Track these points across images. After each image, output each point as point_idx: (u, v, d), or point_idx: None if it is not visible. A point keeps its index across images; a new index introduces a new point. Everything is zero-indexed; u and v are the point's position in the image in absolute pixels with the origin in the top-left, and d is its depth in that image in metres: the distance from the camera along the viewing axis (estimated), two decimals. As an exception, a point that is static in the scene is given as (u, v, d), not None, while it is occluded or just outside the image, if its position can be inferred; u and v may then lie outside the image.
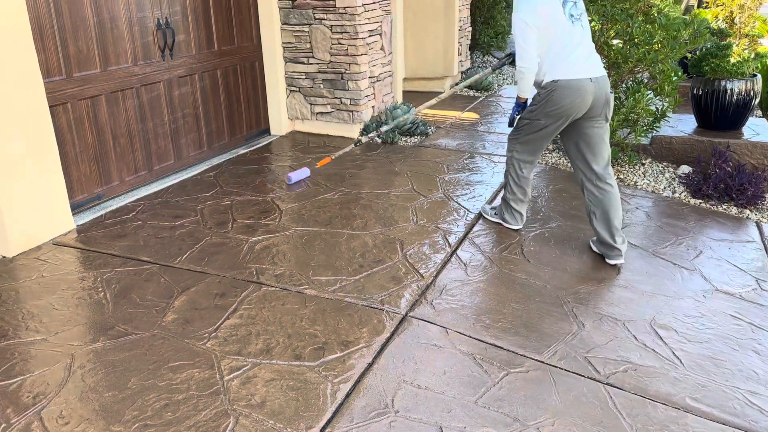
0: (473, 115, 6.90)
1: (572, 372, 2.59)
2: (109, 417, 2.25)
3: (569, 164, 5.20)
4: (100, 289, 3.13)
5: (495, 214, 3.95)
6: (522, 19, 3.27)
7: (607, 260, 3.52)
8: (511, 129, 3.75)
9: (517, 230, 3.85)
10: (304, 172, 4.67)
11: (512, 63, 3.98)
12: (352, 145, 4.77)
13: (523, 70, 3.38)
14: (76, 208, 4.02)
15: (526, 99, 3.55)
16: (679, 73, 4.99)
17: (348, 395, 2.39)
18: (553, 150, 5.51)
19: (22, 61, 3.39)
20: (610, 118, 3.46)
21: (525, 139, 3.60)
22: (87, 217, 4.00)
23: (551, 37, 3.29)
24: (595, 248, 3.65)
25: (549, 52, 3.33)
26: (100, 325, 2.82)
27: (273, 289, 3.14)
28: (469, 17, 8.79)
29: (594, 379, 2.55)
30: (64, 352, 2.62)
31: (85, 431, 2.18)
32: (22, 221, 3.49)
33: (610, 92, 3.40)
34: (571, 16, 3.33)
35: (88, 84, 4.03)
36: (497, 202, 4.33)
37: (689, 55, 5.92)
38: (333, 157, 4.77)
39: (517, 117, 3.67)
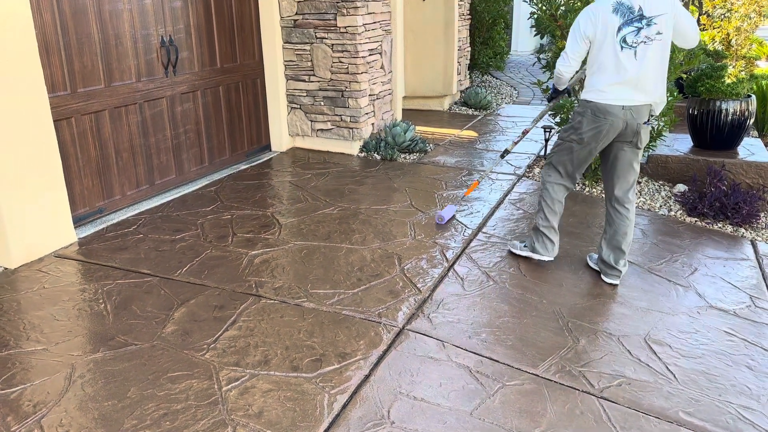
0: (472, 133, 6.98)
1: (567, 385, 2.62)
2: (108, 426, 2.27)
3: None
4: (101, 301, 3.16)
5: (525, 246, 3.76)
6: (577, 22, 3.29)
7: (603, 277, 3.55)
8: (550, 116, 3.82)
9: (548, 262, 3.71)
10: (451, 210, 4.34)
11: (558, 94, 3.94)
12: (499, 158, 4.59)
13: (559, 71, 3.45)
14: (78, 221, 4.07)
15: (559, 89, 3.71)
16: (675, 94, 5.07)
17: (345, 406, 2.41)
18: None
19: (28, 76, 3.46)
20: (642, 146, 3.37)
21: (559, 160, 3.55)
22: (89, 230, 4.05)
23: (597, 54, 3.26)
24: (592, 264, 3.68)
25: (592, 67, 3.31)
26: (101, 336, 2.85)
27: (272, 301, 3.17)
28: (468, 37, 8.92)
29: (588, 393, 2.58)
30: (65, 362, 2.65)
31: (84, 440, 2.21)
32: (24, 233, 3.54)
33: (647, 123, 3.31)
34: (624, 41, 3.17)
35: (92, 99, 4.10)
36: (493, 222, 4.37)
37: (684, 76, 6.01)
38: (480, 182, 4.61)
39: (555, 97, 3.84)
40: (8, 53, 3.33)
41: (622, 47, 3.19)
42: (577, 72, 3.58)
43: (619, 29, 3.18)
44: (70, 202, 3.94)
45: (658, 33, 3.17)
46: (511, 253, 3.81)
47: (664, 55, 3.23)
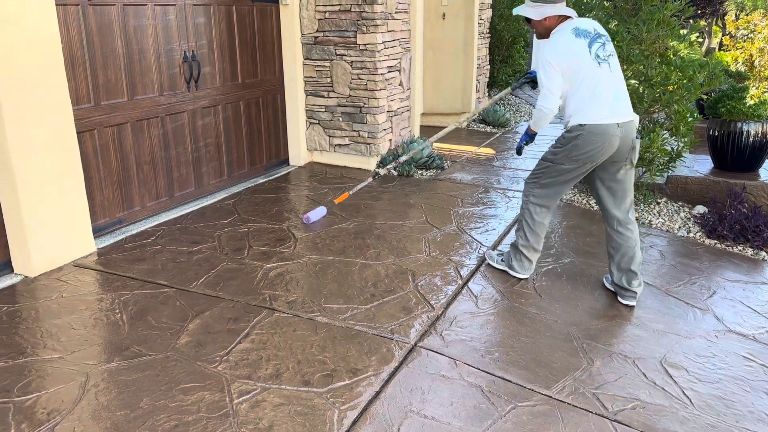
0: (489, 151, 6.97)
1: (580, 407, 2.58)
2: (119, 435, 2.29)
3: (585, 201, 5.23)
4: (117, 311, 3.20)
5: (502, 260, 3.80)
6: (547, 59, 3.25)
7: (620, 299, 3.51)
8: (527, 167, 3.77)
9: (523, 279, 3.71)
10: (321, 212, 4.61)
11: (530, 82, 3.93)
12: (370, 179, 4.78)
13: (544, 110, 3.32)
14: (98, 232, 4.13)
15: (535, 132, 3.55)
16: (695, 114, 5.04)
17: (354, 422, 2.41)
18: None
19: (54, 89, 3.54)
20: (635, 163, 3.39)
21: (545, 182, 3.49)
22: (108, 240, 4.11)
23: (578, 79, 3.23)
24: (608, 285, 3.65)
25: (576, 94, 3.26)
26: (116, 346, 2.88)
27: (285, 315, 3.19)
28: (488, 55, 8.96)
29: (602, 416, 2.55)
30: (80, 371, 2.68)
31: (96, 449, 2.23)
32: (45, 243, 3.60)
33: (637, 137, 3.33)
34: (598, 56, 3.25)
35: (115, 112, 4.18)
36: (508, 240, 4.36)
37: (705, 97, 5.97)
38: (351, 193, 4.79)
39: (525, 146, 3.67)
40: (36, 66, 3.41)
41: (599, 63, 3.25)
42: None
43: (590, 47, 3.26)
44: (90, 212, 4.00)
45: (612, 50, 3.36)
46: (488, 264, 3.87)
47: (620, 70, 3.40)
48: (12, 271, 3.61)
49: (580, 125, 3.26)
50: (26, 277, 3.57)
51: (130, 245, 4.04)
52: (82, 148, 3.95)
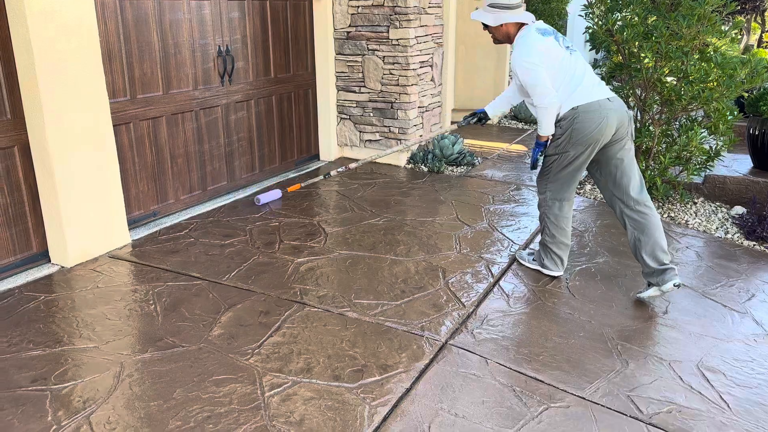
0: (521, 147, 6.90)
1: (614, 410, 2.54)
2: (153, 426, 2.32)
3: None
4: (151, 302, 3.24)
5: (533, 260, 3.75)
6: (527, 61, 3.24)
7: (663, 287, 3.32)
8: (536, 171, 3.69)
9: (556, 277, 3.66)
10: (275, 194, 4.80)
11: (477, 122, 3.97)
12: (321, 177, 4.98)
13: (548, 106, 3.26)
14: (133, 224, 4.19)
15: (548, 138, 3.41)
16: (735, 113, 4.91)
17: (385, 419, 2.40)
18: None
19: (92, 82, 3.59)
20: (634, 136, 3.42)
21: (556, 176, 3.46)
22: (142, 232, 4.16)
23: (558, 70, 3.28)
24: (645, 295, 3.43)
25: (561, 85, 3.30)
26: (150, 337, 2.92)
27: (315, 310, 3.19)
28: (521, 51, 8.84)
29: (636, 419, 2.50)
30: (114, 361, 2.72)
31: (130, 438, 2.26)
32: (81, 234, 3.66)
33: (629, 110, 3.35)
34: (567, 48, 3.35)
35: (150, 106, 4.23)
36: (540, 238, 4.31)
37: (746, 95, 5.81)
38: (302, 185, 5.01)
39: (541, 157, 3.51)
40: (74, 60, 3.47)
41: (570, 53, 3.34)
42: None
43: (557, 40, 3.35)
44: (125, 204, 4.06)
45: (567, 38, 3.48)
46: (519, 263, 3.82)
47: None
48: (49, 261, 3.68)
49: (573, 108, 3.28)
50: (62, 267, 3.64)
51: (163, 237, 4.09)
52: (118, 141, 4.01)
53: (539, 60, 3.25)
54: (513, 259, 3.86)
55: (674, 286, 3.32)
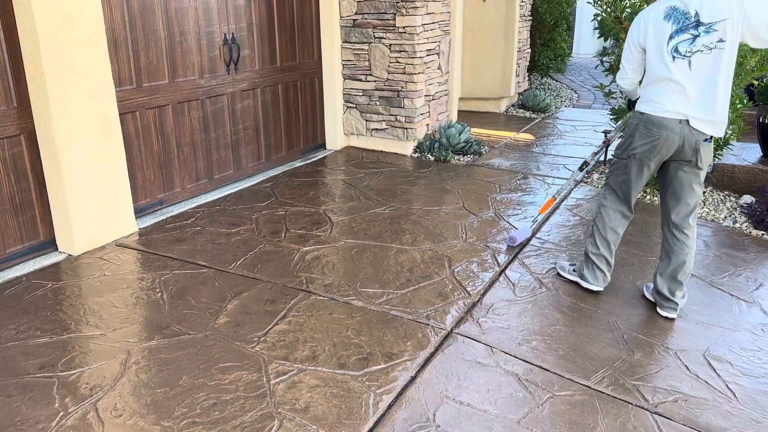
0: (528, 137, 6.86)
1: (620, 398, 2.53)
2: (159, 412, 2.34)
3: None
4: (158, 290, 3.26)
5: (574, 270, 3.50)
6: (630, 33, 3.09)
7: (659, 310, 3.22)
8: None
9: (596, 292, 3.39)
10: (525, 233, 3.98)
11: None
12: (581, 174, 3.96)
13: (621, 87, 3.28)
14: (139, 212, 4.20)
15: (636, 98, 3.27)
16: (745, 101, 4.86)
17: (390, 406, 2.41)
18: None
19: (98, 70, 3.59)
20: (704, 167, 3.03)
21: (613, 181, 3.27)
22: (149, 221, 4.18)
23: (650, 65, 3.00)
24: (648, 295, 3.38)
25: (646, 77, 3.05)
26: (156, 324, 2.93)
27: (321, 298, 3.20)
28: (529, 39, 8.79)
29: (642, 408, 2.49)
30: (121, 348, 2.74)
31: (137, 425, 2.27)
32: (88, 222, 3.68)
33: (707, 141, 2.96)
34: (676, 51, 2.88)
35: (156, 94, 4.23)
36: (548, 228, 4.28)
37: (756, 83, 5.75)
38: (556, 198, 4.18)
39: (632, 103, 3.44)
40: (80, 48, 3.46)
41: (674, 57, 2.88)
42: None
43: (671, 37, 2.88)
44: (132, 193, 4.07)
45: (720, 41, 2.80)
46: (560, 275, 3.57)
47: (728, 66, 2.84)
48: (56, 249, 3.70)
49: (640, 113, 3.06)
50: (70, 255, 3.66)
51: (170, 226, 4.11)
52: (125, 130, 4.01)
53: (635, 37, 3.04)
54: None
55: (665, 316, 3.20)
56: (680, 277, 3.16)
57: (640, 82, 3.23)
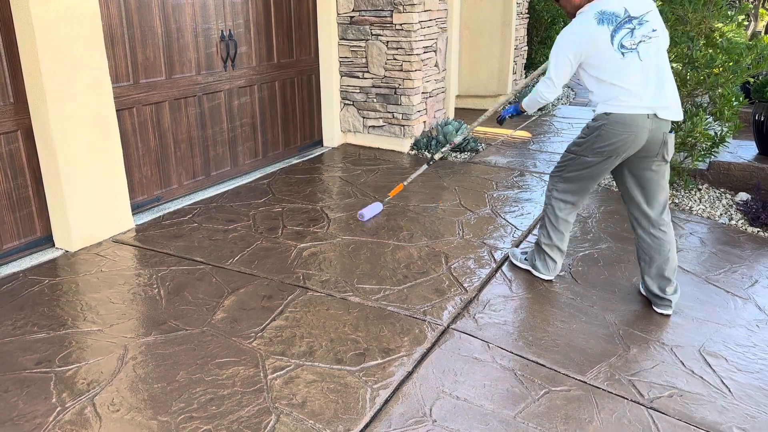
0: (525, 134, 6.88)
1: (615, 394, 2.55)
2: (157, 407, 2.34)
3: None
4: (155, 286, 3.26)
5: (525, 259, 3.55)
6: (559, 44, 3.03)
7: (655, 308, 3.24)
8: (563, 150, 3.43)
9: (549, 281, 3.45)
10: (376, 208, 4.33)
11: (517, 114, 3.75)
12: (425, 165, 4.27)
13: (540, 97, 3.16)
14: (136, 209, 4.20)
15: (525, 110, 3.38)
16: (741, 98, 4.87)
17: (387, 401, 2.42)
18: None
19: (94, 66, 3.59)
20: (669, 158, 3.07)
21: (568, 176, 3.24)
22: (146, 217, 4.18)
23: (601, 68, 2.97)
24: (643, 291, 3.39)
25: (601, 82, 3.00)
26: (153, 320, 2.93)
27: (318, 294, 3.20)
28: (526, 36, 8.80)
29: (637, 403, 2.51)
30: (118, 344, 2.74)
31: (134, 419, 2.28)
32: (85, 218, 3.68)
33: (671, 132, 3.03)
34: (622, 46, 2.93)
35: (153, 90, 4.22)
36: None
37: (752, 80, 5.77)
38: (405, 184, 4.43)
39: (510, 118, 3.55)
40: (77, 44, 3.46)
41: (623, 53, 2.94)
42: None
43: (612, 36, 2.94)
44: (129, 189, 4.07)
45: (653, 30, 2.96)
46: (511, 263, 3.62)
47: (665, 53, 3.01)
48: (53, 245, 3.70)
49: (605, 114, 3.01)
50: (66, 251, 3.65)
51: (167, 222, 4.11)
52: (121, 126, 4.01)
53: (568, 51, 3.00)
54: (506, 257, 3.77)
55: (661, 313, 3.21)
56: (667, 274, 3.17)
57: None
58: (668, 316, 3.20)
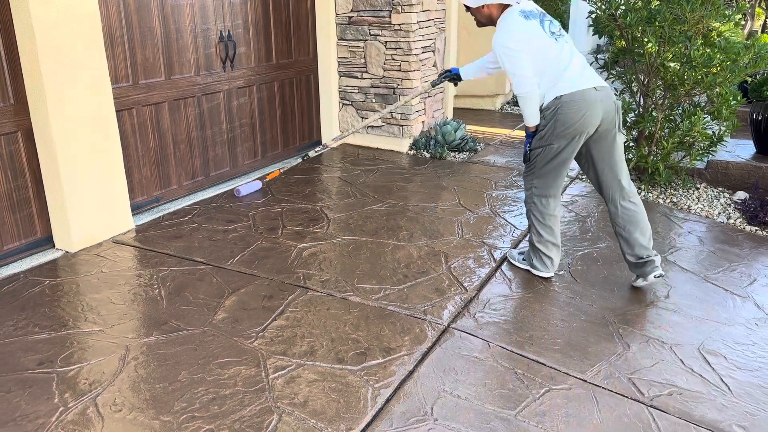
0: (523, 134, 6.88)
1: (615, 392, 2.56)
2: (159, 407, 2.35)
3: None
4: (156, 286, 3.26)
5: (523, 260, 3.58)
6: (507, 47, 3.14)
7: (647, 278, 3.31)
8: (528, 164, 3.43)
9: (548, 278, 3.48)
10: (254, 185, 4.66)
11: (452, 80, 3.98)
12: (300, 159, 4.85)
13: (525, 95, 3.18)
14: (136, 209, 4.20)
15: (536, 128, 3.30)
16: (738, 98, 4.89)
17: (388, 400, 2.43)
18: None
19: (94, 67, 3.59)
20: (622, 127, 3.28)
21: (541, 171, 3.31)
22: (146, 218, 4.18)
23: (541, 57, 3.15)
24: (637, 284, 3.42)
25: (544, 72, 3.16)
26: (154, 320, 2.94)
27: (319, 294, 3.21)
28: (524, 37, 8.79)
29: (637, 401, 2.52)
30: (120, 344, 2.75)
31: (137, 419, 2.28)
32: (85, 219, 3.68)
33: (618, 99, 3.25)
34: (552, 33, 3.19)
35: (153, 91, 4.23)
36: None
37: (749, 80, 5.79)
38: (282, 171, 4.94)
39: (528, 149, 3.39)
40: (77, 44, 3.46)
41: (555, 39, 3.20)
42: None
43: (542, 25, 3.20)
44: (128, 190, 4.08)
45: (561, 28, 3.30)
46: (510, 263, 3.64)
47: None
48: (53, 246, 3.70)
49: (556, 98, 3.14)
50: (67, 252, 3.66)
51: (167, 223, 4.11)
52: (121, 127, 4.01)
53: (520, 46, 3.12)
54: (505, 257, 3.80)
55: (655, 278, 3.30)
56: (646, 242, 3.32)
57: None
58: (661, 275, 3.31)
